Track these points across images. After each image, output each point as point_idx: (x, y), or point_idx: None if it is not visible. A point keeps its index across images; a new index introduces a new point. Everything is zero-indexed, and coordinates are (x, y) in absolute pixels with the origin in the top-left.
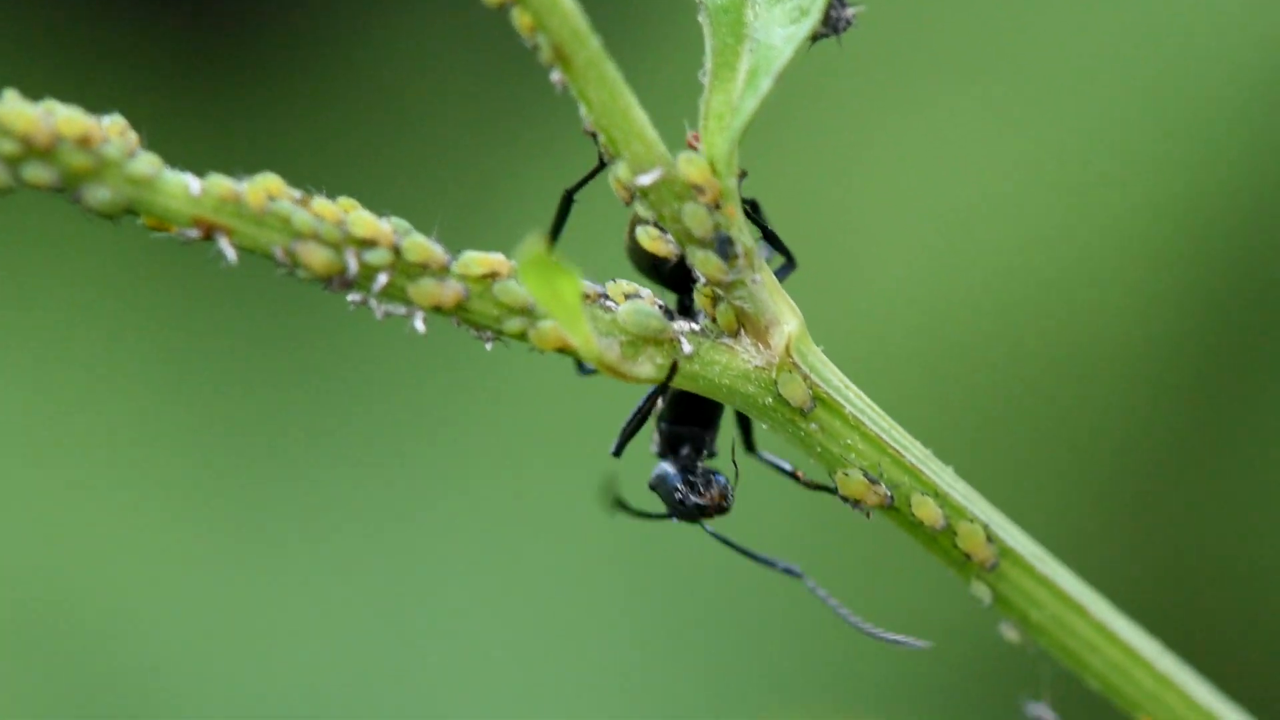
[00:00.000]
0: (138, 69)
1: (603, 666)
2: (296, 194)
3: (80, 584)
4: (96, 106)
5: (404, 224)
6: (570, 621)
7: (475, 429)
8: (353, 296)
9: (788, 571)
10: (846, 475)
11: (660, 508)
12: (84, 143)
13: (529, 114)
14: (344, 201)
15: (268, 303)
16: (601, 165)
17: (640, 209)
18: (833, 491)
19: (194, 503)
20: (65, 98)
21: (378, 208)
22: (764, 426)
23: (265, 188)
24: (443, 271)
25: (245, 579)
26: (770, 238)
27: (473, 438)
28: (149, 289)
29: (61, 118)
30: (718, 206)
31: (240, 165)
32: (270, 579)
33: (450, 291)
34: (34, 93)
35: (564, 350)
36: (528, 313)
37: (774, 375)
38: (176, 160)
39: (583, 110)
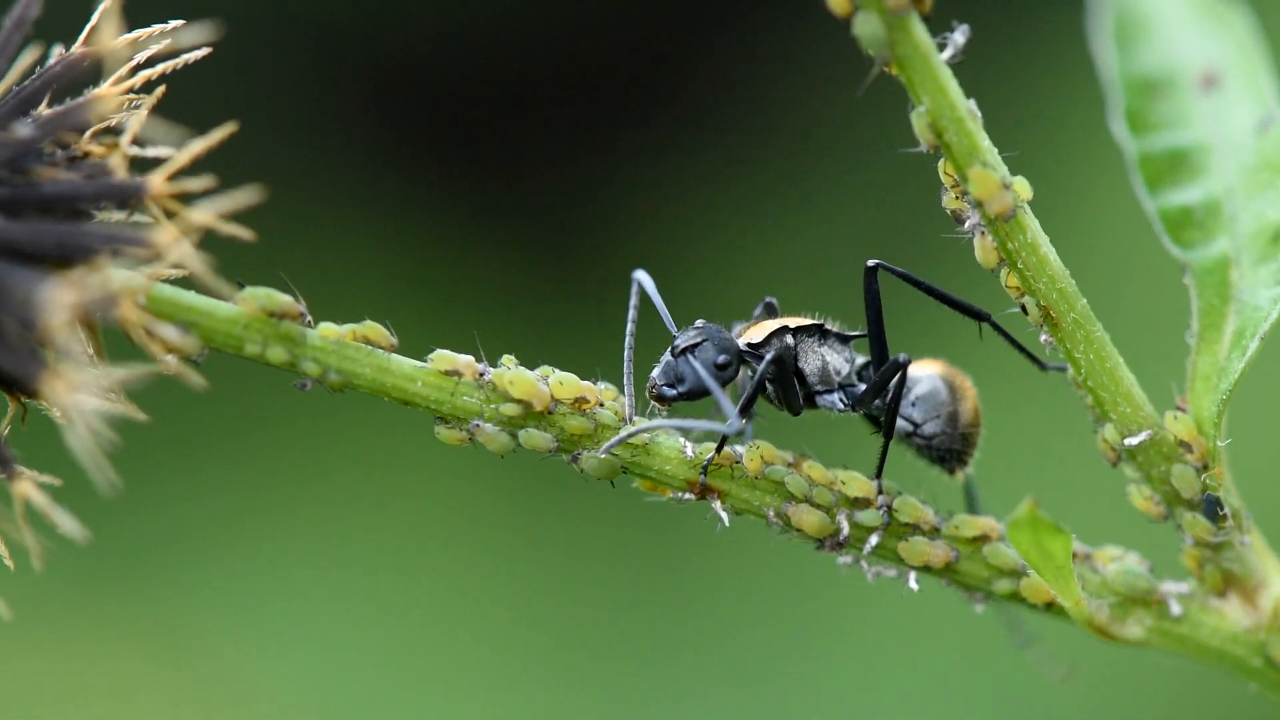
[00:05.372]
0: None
1: None
2: (790, 457)
3: None
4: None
5: (894, 485)
6: None
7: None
8: (843, 558)
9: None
10: None
11: None
12: (579, 406)
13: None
14: (809, 465)
15: (615, 517)
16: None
17: (1128, 470)
18: None
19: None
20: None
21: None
22: (1251, 689)
23: (760, 453)
24: (933, 532)
25: None
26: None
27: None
28: (483, 523)
29: (556, 381)
30: (1205, 467)
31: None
32: None
33: (940, 553)
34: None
35: (1050, 606)
36: (1018, 574)
37: (1263, 637)
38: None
39: (1069, 371)
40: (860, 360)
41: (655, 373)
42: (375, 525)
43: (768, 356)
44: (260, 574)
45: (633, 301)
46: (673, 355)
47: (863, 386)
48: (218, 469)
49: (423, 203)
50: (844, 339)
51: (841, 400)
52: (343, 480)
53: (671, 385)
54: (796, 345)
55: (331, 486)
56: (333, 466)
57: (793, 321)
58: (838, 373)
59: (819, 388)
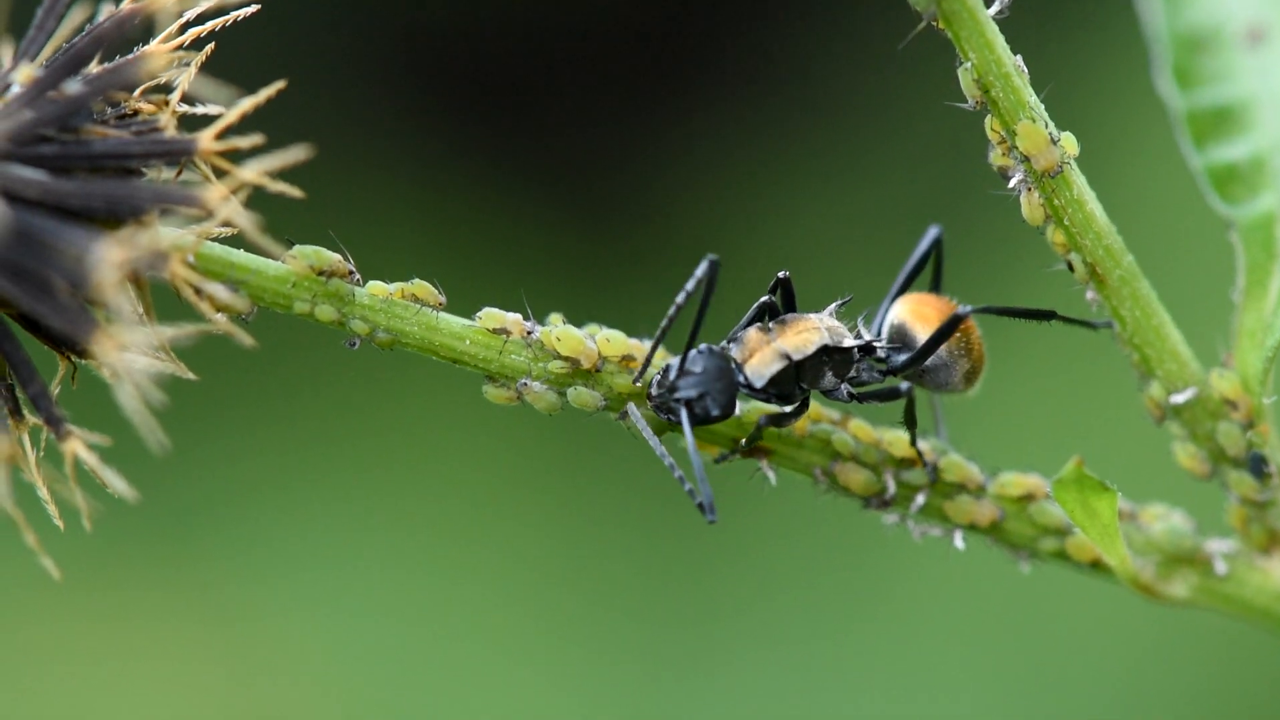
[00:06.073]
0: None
1: None
2: (836, 415)
3: None
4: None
5: (941, 444)
6: None
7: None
8: (889, 517)
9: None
10: None
11: None
12: (626, 364)
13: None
14: (855, 424)
15: (652, 480)
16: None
17: (1173, 427)
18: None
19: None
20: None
21: None
22: None
23: (806, 414)
24: (979, 491)
25: None
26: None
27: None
28: (530, 494)
29: (603, 339)
30: (1251, 425)
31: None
32: None
33: (986, 511)
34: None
35: (1095, 564)
36: (1063, 532)
37: None
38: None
39: (1115, 328)
40: (866, 334)
41: (653, 390)
42: (420, 489)
43: (786, 411)
44: (305, 536)
45: (688, 285)
46: (669, 394)
47: (869, 374)
48: (264, 430)
49: (470, 165)
50: (844, 350)
51: (847, 391)
52: (390, 443)
53: (665, 414)
54: (801, 374)
55: (379, 449)
56: (380, 429)
57: (795, 352)
58: (840, 374)
59: (827, 388)
